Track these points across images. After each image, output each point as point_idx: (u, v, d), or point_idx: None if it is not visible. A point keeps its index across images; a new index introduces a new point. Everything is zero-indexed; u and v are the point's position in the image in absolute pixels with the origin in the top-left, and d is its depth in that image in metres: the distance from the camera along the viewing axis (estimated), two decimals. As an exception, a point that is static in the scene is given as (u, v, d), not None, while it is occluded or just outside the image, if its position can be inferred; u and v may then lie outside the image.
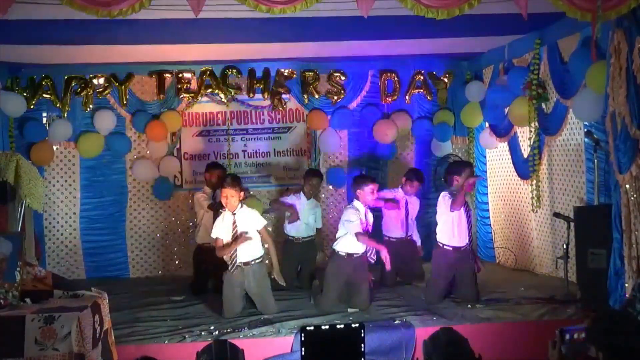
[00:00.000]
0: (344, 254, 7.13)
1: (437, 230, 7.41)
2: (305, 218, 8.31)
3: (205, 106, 9.92)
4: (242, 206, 6.98)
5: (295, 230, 8.35)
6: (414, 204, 8.39)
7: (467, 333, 3.98)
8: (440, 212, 7.36)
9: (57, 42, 7.85)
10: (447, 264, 7.25)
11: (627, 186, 5.84)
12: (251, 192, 8.59)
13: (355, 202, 7.16)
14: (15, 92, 9.01)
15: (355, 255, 7.12)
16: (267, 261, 7.22)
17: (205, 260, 8.24)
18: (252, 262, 6.93)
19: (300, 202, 8.33)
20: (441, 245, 7.34)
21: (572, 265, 7.19)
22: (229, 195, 6.89)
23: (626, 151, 5.81)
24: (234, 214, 6.91)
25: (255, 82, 9.78)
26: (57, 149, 9.57)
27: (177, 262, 9.88)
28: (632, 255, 5.84)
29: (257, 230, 6.97)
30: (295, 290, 8.03)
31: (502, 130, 9.13)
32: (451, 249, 7.25)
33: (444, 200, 7.25)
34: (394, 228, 8.34)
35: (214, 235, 6.99)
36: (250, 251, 6.92)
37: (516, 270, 9.12)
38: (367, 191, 7.09)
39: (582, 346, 3.53)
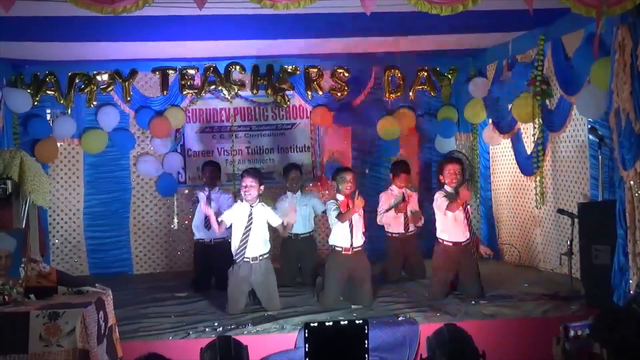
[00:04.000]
0: (340, 248, 7.14)
1: (437, 226, 7.43)
2: (299, 212, 8.25)
3: (208, 102, 9.94)
4: (260, 201, 7.03)
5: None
6: (412, 198, 8.36)
7: (470, 329, 3.98)
8: (437, 211, 7.39)
9: (61, 38, 7.85)
10: (448, 260, 7.26)
11: (632, 182, 5.83)
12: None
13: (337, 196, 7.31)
14: (20, 88, 9.03)
15: (353, 249, 7.12)
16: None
17: (206, 256, 8.28)
18: (260, 258, 6.96)
19: (290, 199, 8.31)
20: (441, 241, 7.35)
21: (576, 262, 7.19)
22: (249, 185, 6.95)
23: (630, 147, 5.80)
24: (252, 207, 6.95)
25: (259, 78, 9.78)
26: (61, 145, 9.58)
27: (180, 259, 9.88)
28: (636, 251, 5.84)
29: (274, 226, 7.07)
30: (299, 287, 8.05)
31: (506, 126, 9.12)
32: (451, 244, 7.25)
33: (437, 200, 7.30)
34: (395, 224, 8.33)
35: (221, 217, 7.04)
36: (257, 247, 6.95)
37: (520, 266, 9.12)
38: (341, 182, 7.25)
39: (586, 342, 3.53)
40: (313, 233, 8.56)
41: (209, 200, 8.30)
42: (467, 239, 7.27)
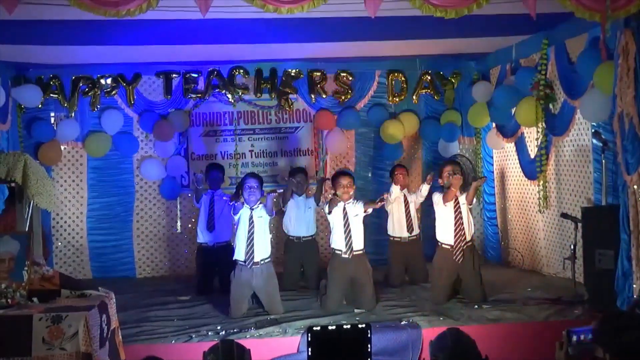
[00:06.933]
0: (340, 252, 7.14)
1: (436, 229, 7.46)
2: (303, 214, 8.32)
3: (212, 106, 9.95)
4: (259, 203, 7.03)
5: (295, 229, 8.36)
6: (413, 199, 8.41)
7: (473, 334, 3.96)
8: (436, 211, 7.44)
9: (65, 42, 7.88)
10: (448, 263, 7.25)
11: (635, 187, 5.82)
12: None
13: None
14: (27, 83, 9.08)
15: (353, 252, 7.11)
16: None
17: (208, 260, 8.27)
18: (261, 262, 6.95)
19: (294, 200, 8.32)
20: (440, 243, 7.36)
21: (579, 266, 7.17)
22: (254, 186, 6.97)
23: (634, 152, 5.80)
24: (252, 209, 6.97)
25: (262, 82, 9.80)
26: (64, 148, 9.61)
27: (183, 262, 9.89)
28: (640, 256, 5.83)
29: (267, 213, 7.01)
30: (302, 291, 8.05)
31: (509, 130, 9.12)
32: (449, 247, 7.25)
33: (434, 198, 7.41)
34: (398, 228, 8.34)
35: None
36: (258, 251, 6.94)
37: (523, 270, 9.11)
38: (338, 186, 7.19)
39: (589, 347, 3.52)
40: (315, 237, 8.57)
41: (212, 202, 8.32)
42: (468, 242, 7.25)
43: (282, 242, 8.86)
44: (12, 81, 8.98)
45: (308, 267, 8.38)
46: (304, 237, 8.35)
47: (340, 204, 7.15)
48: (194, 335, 6.15)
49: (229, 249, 8.19)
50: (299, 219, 8.31)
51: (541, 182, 8.48)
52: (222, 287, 7.95)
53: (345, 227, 7.10)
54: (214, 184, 8.46)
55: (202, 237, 8.39)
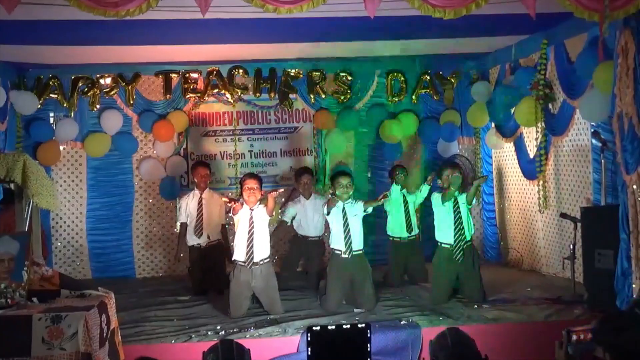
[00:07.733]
0: (339, 252, 7.14)
1: (435, 229, 7.48)
2: (311, 217, 8.31)
3: (211, 106, 9.94)
4: (259, 204, 7.01)
5: (304, 230, 8.36)
6: (412, 199, 8.41)
7: (473, 333, 3.98)
8: (435, 211, 7.48)
9: (65, 42, 7.87)
10: (447, 263, 7.26)
11: (634, 187, 5.82)
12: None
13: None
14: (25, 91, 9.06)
15: (352, 252, 7.12)
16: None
17: (202, 260, 8.24)
18: (260, 262, 6.95)
19: (302, 204, 8.32)
20: (440, 243, 7.38)
21: (579, 266, 7.18)
22: (254, 187, 6.93)
23: (633, 152, 5.79)
24: (252, 210, 6.94)
25: (261, 82, 9.79)
26: (63, 148, 9.60)
27: (183, 262, 9.83)
28: (639, 255, 5.82)
29: (267, 214, 6.96)
30: (302, 290, 8.05)
31: (508, 130, 9.12)
32: (449, 247, 7.26)
33: (434, 197, 7.45)
34: (398, 228, 8.34)
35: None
36: (258, 251, 6.93)
37: (523, 270, 9.12)
38: (337, 186, 7.16)
39: (588, 346, 3.53)
40: (323, 238, 8.52)
41: (199, 205, 8.26)
42: (467, 241, 7.26)
43: (284, 239, 8.85)
44: (11, 81, 8.97)
45: (311, 266, 8.37)
46: (311, 237, 8.38)
47: (339, 204, 7.15)
48: (193, 335, 6.15)
49: (220, 247, 8.19)
50: (308, 223, 8.33)
51: (540, 182, 8.48)
52: (215, 287, 7.96)
53: (345, 227, 7.10)
54: (202, 183, 8.40)
55: (192, 239, 8.35)
